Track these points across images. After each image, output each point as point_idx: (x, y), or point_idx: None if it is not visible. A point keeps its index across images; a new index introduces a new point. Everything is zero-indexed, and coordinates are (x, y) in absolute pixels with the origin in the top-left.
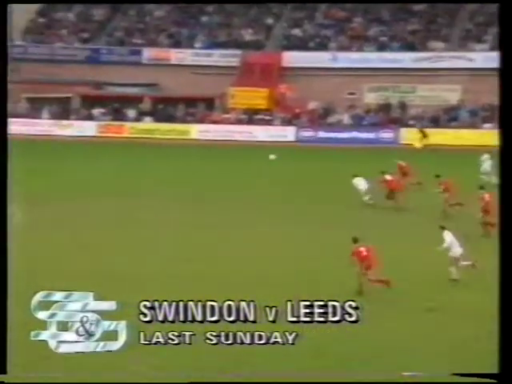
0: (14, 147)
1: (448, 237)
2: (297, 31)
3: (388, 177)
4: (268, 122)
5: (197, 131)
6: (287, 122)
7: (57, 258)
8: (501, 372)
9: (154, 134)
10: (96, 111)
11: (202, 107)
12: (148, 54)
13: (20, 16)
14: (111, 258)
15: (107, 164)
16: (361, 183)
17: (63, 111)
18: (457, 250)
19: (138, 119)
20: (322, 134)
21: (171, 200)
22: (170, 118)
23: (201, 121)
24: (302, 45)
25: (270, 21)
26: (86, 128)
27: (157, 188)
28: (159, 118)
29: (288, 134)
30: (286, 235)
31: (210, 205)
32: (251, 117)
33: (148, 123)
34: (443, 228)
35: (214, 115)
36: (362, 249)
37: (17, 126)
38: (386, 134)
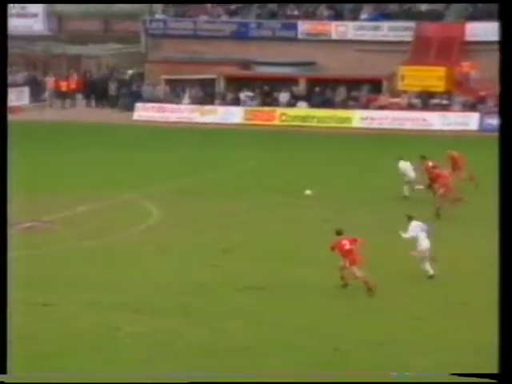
0: (146, 134)
1: (416, 228)
2: None
3: (431, 163)
4: (446, 108)
5: (360, 118)
6: (470, 108)
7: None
8: (501, 372)
9: (309, 121)
10: (243, 95)
11: (367, 90)
12: (304, 27)
13: None
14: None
15: (254, 156)
16: (408, 168)
17: (206, 95)
18: (424, 244)
19: (290, 104)
20: None
21: (328, 199)
22: (329, 103)
23: (365, 106)
24: (490, 14)
25: None
26: (231, 114)
27: (312, 184)
28: (316, 102)
29: (470, 121)
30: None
31: (377, 206)
32: (426, 101)
33: (302, 109)
34: (410, 218)
35: (380, 99)
36: (344, 242)
37: (152, 112)
38: None
